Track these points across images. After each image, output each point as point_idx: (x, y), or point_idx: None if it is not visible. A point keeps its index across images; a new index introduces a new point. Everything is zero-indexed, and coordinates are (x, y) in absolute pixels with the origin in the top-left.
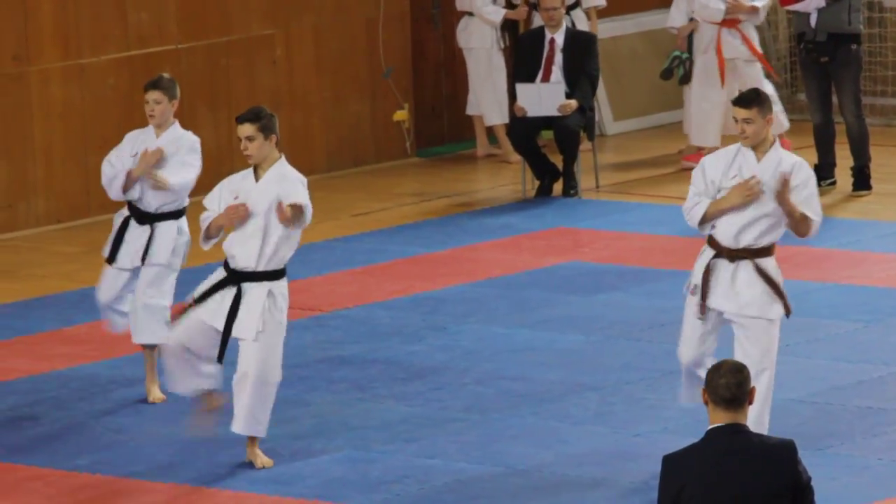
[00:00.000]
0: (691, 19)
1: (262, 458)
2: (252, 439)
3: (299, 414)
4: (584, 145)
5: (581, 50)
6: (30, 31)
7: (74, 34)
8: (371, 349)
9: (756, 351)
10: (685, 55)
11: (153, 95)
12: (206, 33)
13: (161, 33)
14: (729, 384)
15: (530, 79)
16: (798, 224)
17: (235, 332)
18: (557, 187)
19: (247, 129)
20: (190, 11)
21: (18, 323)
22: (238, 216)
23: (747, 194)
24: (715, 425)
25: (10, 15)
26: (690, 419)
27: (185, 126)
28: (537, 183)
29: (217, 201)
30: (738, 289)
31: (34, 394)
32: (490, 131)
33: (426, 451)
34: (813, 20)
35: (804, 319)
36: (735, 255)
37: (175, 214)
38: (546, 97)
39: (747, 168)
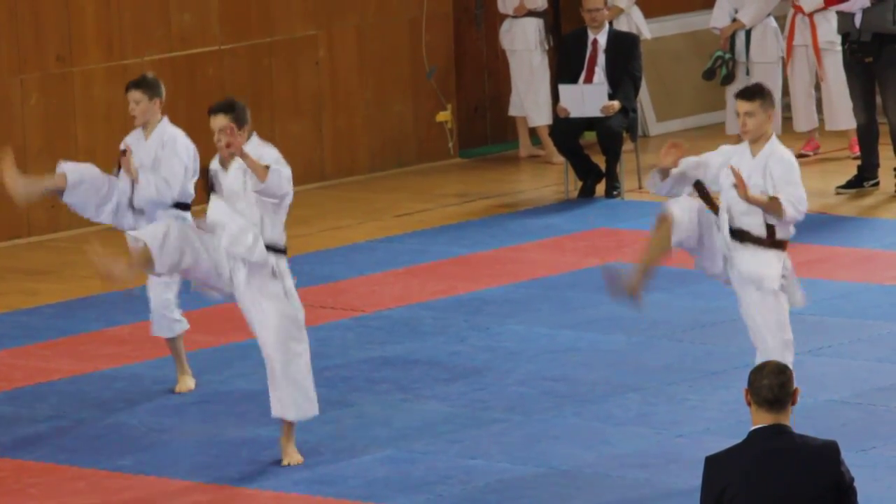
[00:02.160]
0: (734, 19)
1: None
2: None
3: (342, 414)
4: (627, 146)
5: (624, 51)
6: (73, 32)
7: (117, 35)
8: (414, 350)
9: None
10: (728, 55)
11: (133, 95)
12: (249, 34)
13: (203, 34)
14: (772, 385)
15: (573, 80)
16: (768, 209)
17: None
18: (600, 188)
19: (221, 121)
20: (233, 12)
21: (62, 323)
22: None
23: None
24: (758, 426)
25: (53, 16)
26: (733, 420)
27: None
28: (580, 184)
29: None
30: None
31: (77, 394)
32: (533, 132)
33: (469, 452)
34: (857, 20)
35: (848, 320)
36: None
37: (175, 207)
38: (589, 98)
39: (743, 164)
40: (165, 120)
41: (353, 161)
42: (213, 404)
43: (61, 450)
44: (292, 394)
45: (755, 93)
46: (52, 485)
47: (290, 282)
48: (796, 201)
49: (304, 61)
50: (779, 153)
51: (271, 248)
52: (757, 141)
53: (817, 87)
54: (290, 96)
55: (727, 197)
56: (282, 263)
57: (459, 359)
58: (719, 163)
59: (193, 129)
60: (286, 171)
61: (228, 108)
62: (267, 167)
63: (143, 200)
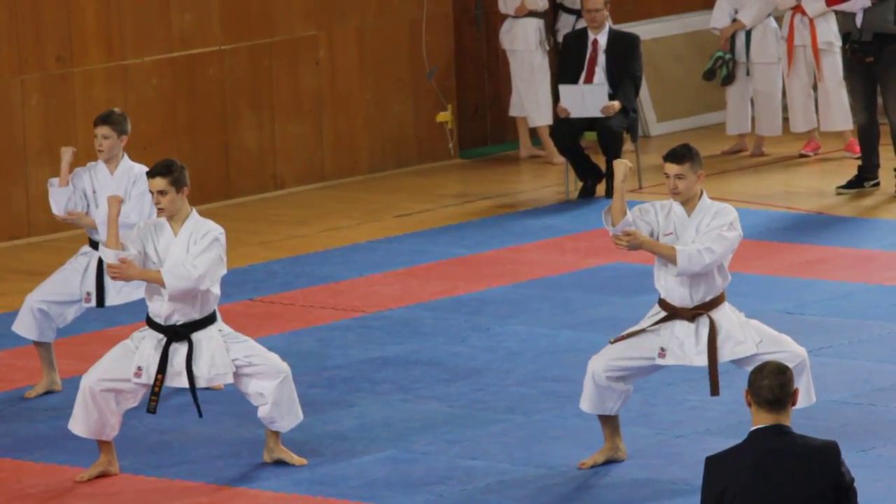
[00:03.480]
0: (734, 20)
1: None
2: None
3: (342, 415)
4: (628, 146)
5: (624, 51)
6: (73, 33)
7: (118, 35)
8: (414, 350)
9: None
10: (728, 56)
11: (102, 130)
12: (249, 34)
13: (204, 34)
14: (772, 386)
15: (573, 80)
16: (670, 259)
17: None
18: (601, 188)
19: (159, 183)
20: (233, 13)
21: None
22: (123, 277)
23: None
24: (758, 426)
25: (53, 16)
26: (733, 420)
27: (228, 128)
28: (580, 184)
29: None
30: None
31: (77, 395)
32: (533, 132)
33: (469, 452)
34: (858, 20)
35: (847, 321)
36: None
37: None
38: (589, 98)
39: (679, 224)
40: (126, 157)
41: (353, 161)
42: (214, 405)
43: (62, 450)
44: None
45: (684, 155)
46: (52, 486)
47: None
48: (706, 255)
49: (304, 62)
50: (713, 207)
51: None
52: (689, 200)
53: (815, 88)
54: (291, 97)
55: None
56: None
57: (460, 359)
58: (658, 223)
59: (193, 130)
60: (197, 267)
61: (167, 170)
62: (158, 273)
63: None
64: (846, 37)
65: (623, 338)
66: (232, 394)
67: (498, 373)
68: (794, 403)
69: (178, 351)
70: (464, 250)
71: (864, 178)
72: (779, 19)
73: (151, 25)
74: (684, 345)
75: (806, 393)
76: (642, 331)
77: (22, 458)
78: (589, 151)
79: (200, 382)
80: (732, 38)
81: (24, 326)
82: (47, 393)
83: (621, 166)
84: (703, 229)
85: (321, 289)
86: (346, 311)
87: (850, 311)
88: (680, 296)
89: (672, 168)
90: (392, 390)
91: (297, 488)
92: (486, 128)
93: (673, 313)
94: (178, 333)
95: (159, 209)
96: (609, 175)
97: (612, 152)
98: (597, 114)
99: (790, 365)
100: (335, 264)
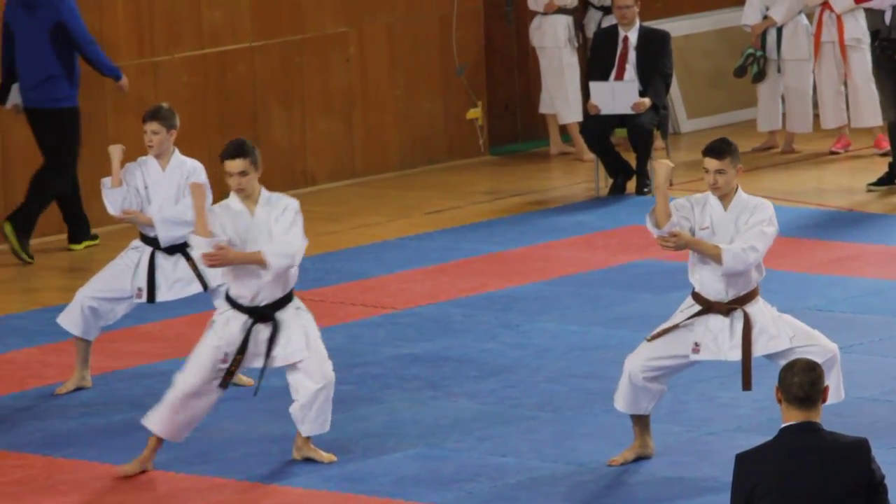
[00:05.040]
0: (765, 17)
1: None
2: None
3: (372, 412)
4: (658, 143)
5: (654, 48)
6: (104, 29)
7: (148, 32)
8: (444, 347)
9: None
10: (759, 53)
11: (151, 126)
12: (280, 31)
13: (234, 31)
14: (802, 383)
15: (604, 77)
16: (715, 259)
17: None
18: (631, 185)
19: (239, 165)
20: (263, 9)
21: None
22: (222, 263)
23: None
24: (788, 423)
25: (84, 12)
26: (764, 417)
27: (259, 125)
28: (610, 181)
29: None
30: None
31: (107, 392)
32: (563, 129)
33: (499, 449)
34: (887, 17)
35: (878, 317)
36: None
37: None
38: (619, 95)
39: (716, 218)
40: (177, 151)
41: (383, 158)
42: (244, 401)
43: (91, 447)
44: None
45: (724, 150)
46: (82, 482)
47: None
48: (749, 252)
49: (334, 58)
50: (752, 200)
51: None
52: (726, 194)
53: (845, 84)
54: (321, 93)
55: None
56: None
57: (489, 356)
58: (695, 219)
59: (223, 126)
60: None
61: (244, 151)
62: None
63: (168, 233)
64: (875, 34)
65: (659, 334)
66: (262, 390)
67: (528, 369)
68: (824, 400)
69: (262, 331)
70: (494, 247)
71: (895, 174)
72: (809, 16)
73: (182, 22)
74: (718, 339)
75: (835, 389)
76: (676, 326)
77: (52, 454)
78: (619, 148)
79: (276, 362)
80: (763, 34)
81: (71, 322)
82: (77, 389)
83: (663, 167)
84: (742, 226)
85: (351, 285)
86: (377, 308)
87: (881, 308)
88: (716, 290)
89: (712, 163)
90: (422, 387)
91: (327, 485)
92: (516, 124)
93: (708, 307)
94: (263, 315)
95: (239, 189)
96: (640, 173)
97: (643, 149)
98: (627, 111)
99: (820, 360)
100: (365, 261)
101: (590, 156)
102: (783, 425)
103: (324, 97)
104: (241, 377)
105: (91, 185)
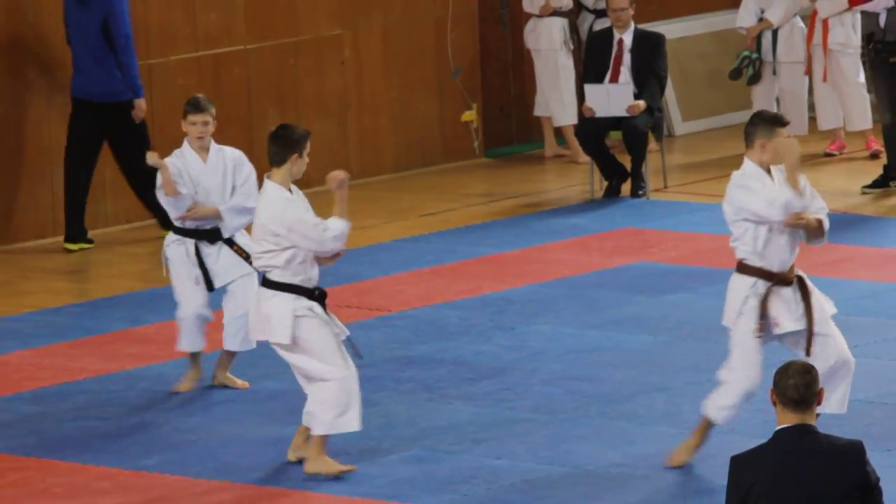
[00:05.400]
0: (761, 19)
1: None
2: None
3: (367, 414)
4: (653, 146)
5: (649, 50)
6: None
7: (143, 35)
8: (439, 349)
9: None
10: (754, 55)
11: (202, 118)
12: (275, 34)
13: (229, 34)
14: (797, 385)
15: (599, 79)
16: (816, 231)
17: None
18: (626, 188)
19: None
20: (258, 12)
21: (88, 323)
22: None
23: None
24: (783, 426)
25: None
26: (758, 420)
27: (254, 127)
28: (605, 183)
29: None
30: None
31: (103, 394)
32: (558, 132)
33: (494, 452)
34: (882, 20)
35: (873, 320)
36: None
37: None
38: (614, 98)
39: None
40: (213, 140)
41: (378, 161)
42: (239, 403)
43: (87, 449)
44: None
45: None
46: (77, 484)
47: None
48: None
49: (329, 61)
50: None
51: None
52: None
53: (811, 89)
54: (316, 96)
55: None
56: None
57: (485, 358)
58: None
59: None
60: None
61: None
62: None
63: (233, 221)
64: (870, 37)
65: (761, 327)
66: (258, 393)
67: (523, 372)
68: (819, 403)
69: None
70: (489, 249)
71: (890, 177)
72: (805, 19)
73: (177, 25)
74: (790, 308)
75: (840, 401)
76: (762, 316)
77: (47, 457)
78: (614, 151)
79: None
80: (759, 37)
81: (191, 342)
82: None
83: (794, 145)
84: (806, 190)
85: (346, 288)
86: (372, 311)
87: (876, 311)
88: (783, 262)
89: (784, 132)
90: (417, 389)
91: (323, 487)
92: (511, 127)
93: (778, 280)
94: (321, 294)
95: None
96: (634, 175)
97: (637, 152)
98: (622, 113)
99: (837, 360)
100: (360, 263)
101: (585, 158)
102: (778, 428)
103: (319, 99)
104: (235, 379)
105: (92, 186)
